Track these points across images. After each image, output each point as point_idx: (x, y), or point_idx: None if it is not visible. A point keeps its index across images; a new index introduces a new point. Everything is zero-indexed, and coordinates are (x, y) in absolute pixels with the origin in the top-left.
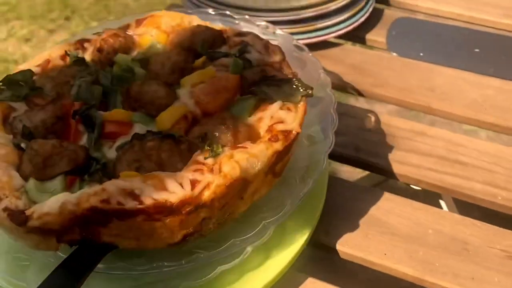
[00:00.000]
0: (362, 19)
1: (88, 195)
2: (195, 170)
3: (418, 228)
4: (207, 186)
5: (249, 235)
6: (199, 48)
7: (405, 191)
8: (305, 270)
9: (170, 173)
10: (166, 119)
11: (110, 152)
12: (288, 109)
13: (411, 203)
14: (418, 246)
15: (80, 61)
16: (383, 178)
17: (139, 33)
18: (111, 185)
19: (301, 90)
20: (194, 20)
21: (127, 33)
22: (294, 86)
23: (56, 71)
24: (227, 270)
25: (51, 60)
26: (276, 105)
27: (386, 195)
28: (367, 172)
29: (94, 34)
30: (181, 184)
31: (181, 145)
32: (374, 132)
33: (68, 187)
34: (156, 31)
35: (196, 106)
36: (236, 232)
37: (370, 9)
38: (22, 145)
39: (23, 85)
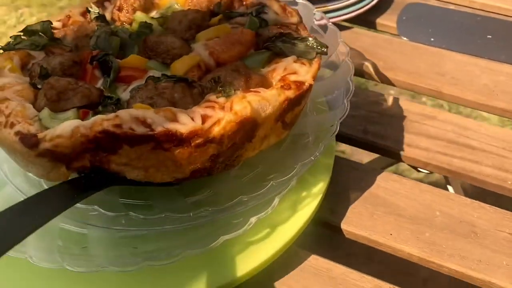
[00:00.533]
0: (373, 2)
1: (102, 119)
2: (207, 107)
3: (426, 209)
4: (217, 121)
5: (256, 193)
6: (215, 9)
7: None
8: (308, 247)
9: (182, 109)
10: (180, 66)
11: (124, 94)
12: (302, 63)
13: (419, 185)
14: (425, 228)
15: (100, 17)
16: (390, 162)
17: None
18: (124, 113)
19: (316, 48)
20: None
21: None
22: (309, 44)
23: (76, 25)
24: (229, 242)
25: (71, 16)
26: (290, 58)
27: (393, 177)
28: (374, 156)
29: None
30: (192, 118)
31: (194, 89)
32: (382, 114)
33: (81, 119)
34: None
35: (210, 57)
36: (244, 192)
37: None
38: (39, 86)
39: (42, 36)
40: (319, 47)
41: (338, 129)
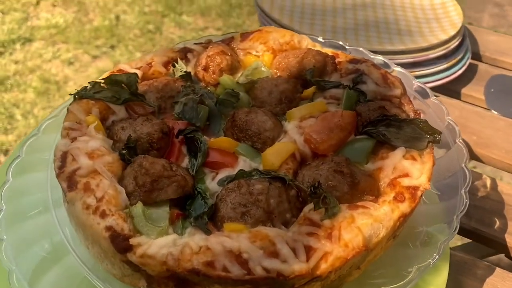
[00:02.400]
0: (460, 71)
1: (192, 252)
2: (310, 234)
3: None
4: (324, 257)
5: None
6: (308, 75)
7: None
8: None
9: (280, 232)
10: (274, 157)
11: (212, 184)
12: (413, 158)
13: None
14: None
15: (186, 76)
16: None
17: (243, 48)
18: (217, 244)
19: (427, 134)
20: (304, 40)
21: (232, 46)
22: (418, 129)
23: (161, 83)
24: None
25: (153, 66)
26: (398, 153)
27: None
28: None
29: (196, 43)
30: (293, 250)
31: (291, 191)
32: (484, 197)
33: (172, 221)
34: (263, 47)
35: (306, 144)
36: None
37: (467, 63)
38: (125, 157)
39: (125, 88)
40: (430, 133)
41: (458, 226)
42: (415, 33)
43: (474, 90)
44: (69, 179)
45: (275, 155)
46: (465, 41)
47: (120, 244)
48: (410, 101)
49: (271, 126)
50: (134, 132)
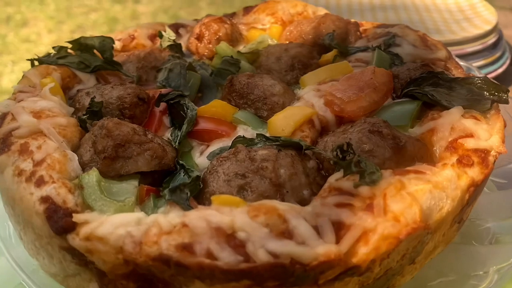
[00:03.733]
0: (500, 70)
1: (160, 232)
2: (339, 205)
3: None
4: (363, 236)
5: None
6: (327, 39)
7: None
8: None
9: (295, 206)
10: (285, 122)
11: (201, 159)
12: (475, 118)
13: None
14: None
15: (175, 47)
16: None
17: (247, 22)
18: (198, 220)
19: (490, 94)
20: (321, 12)
21: (232, 22)
22: (476, 89)
23: (143, 51)
24: None
25: (136, 38)
26: (455, 112)
27: None
28: None
29: (193, 20)
30: (315, 228)
31: (308, 161)
32: None
33: (141, 200)
34: (270, 19)
35: (327, 108)
36: None
37: (507, 62)
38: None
39: (97, 55)
40: (494, 92)
41: None
42: (445, 32)
43: None
44: (2, 140)
45: (286, 119)
46: (502, 40)
47: (59, 221)
48: (459, 64)
49: (280, 91)
50: (101, 97)
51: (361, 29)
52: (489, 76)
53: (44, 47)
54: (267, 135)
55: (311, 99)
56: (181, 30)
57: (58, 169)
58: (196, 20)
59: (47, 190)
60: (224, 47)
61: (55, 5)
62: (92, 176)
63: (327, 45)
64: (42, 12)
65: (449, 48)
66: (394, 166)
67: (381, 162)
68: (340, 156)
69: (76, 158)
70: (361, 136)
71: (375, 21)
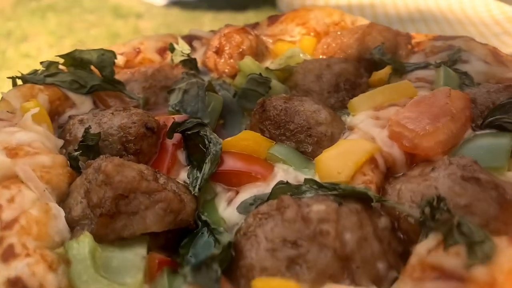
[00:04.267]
0: None
1: None
2: None
3: None
4: None
5: None
6: (376, 54)
7: None
8: None
9: None
10: (339, 162)
11: (229, 212)
12: None
13: None
14: None
15: (189, 63)
16: None
17: (272, 34)
18: None
19: None
20: (360, 22)
21: (255, 33)
22: None
23: (152, 68)
24: None
25: (142, 51)
26: None
27: None
28: None
29: (210, 31)
30: None
31: (379, 219)
32: None
33: (151, 277)
34: (300, 30)
35: (394, 143)
36: None
37: None
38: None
39: (95, 73)
40: None
41: None
42: None
43: None
44: None
45: (341, 158)
46: None
47: None
48: None
49: (327, 118)
50: (98, 126)
51: (412, 41)
52: None
53: None
54: (317, 178)
55: (370, 130)
56: (195, 43)
57: (35, 234)
58: (213, 32)
59: (18, 267)
60: (249, 63)
61: (57, 20)
62: (84, 244)
63: (377, 60)
64: (43, 27)
65: None
66: (502, 228)
67: (484, 223)
68: (429, 214)
69: (63, 214)
70: (452, 184)
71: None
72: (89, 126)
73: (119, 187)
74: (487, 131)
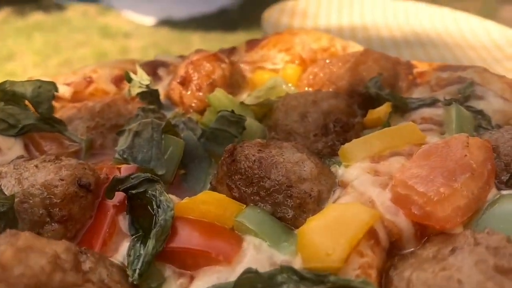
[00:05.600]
0: None
1: None
2: None
3: None
4: None
5: None
6: (372, 87)
7: None
8: None
9: None
10: (329, 238)
11: None
12: None
13: None
14: None
15: (149, 95)
16: None
17: (251, 60)
18: None
19: None
20: (352, 48)
21: (232, 59)
22: None
23: (101, 103)
24: None
25: (95, 81)
26: None
27: None
28: None
29: (178, 57)
30: None
31: None
32: None
33: None
34: (284, 56)
35: (400, 209)
36: None
37: None
38: None
39: (27, 109)
40: None
41: None
42: None
43: None
44: None
45: (331, 233)
46: None
47: None
48: None
49: (313, 172)
50: (18, 182)
51: (414, 71)
52: None
53: None
54: (298, 260)
55: (368, 190)
56: (160, 71)
57: None
58: (182, 57)
59: None
60: (220, 96)
61: (43, 39)
62: None
63: (374, 95)
64: (28, 46)
65: None
66: None
67: None
68: None
69: None
70: (482, 279)
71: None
72: (4, 184)
73: (18, 284)
74: None
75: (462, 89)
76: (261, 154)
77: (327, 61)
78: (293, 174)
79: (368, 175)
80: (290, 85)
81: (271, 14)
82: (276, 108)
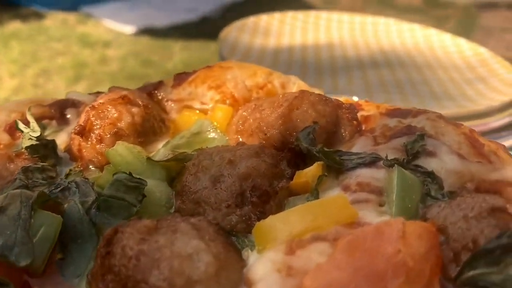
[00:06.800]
0: None
1: None
2: None
3: None
4: None
5: None
6: (303, 141)
7: None
8: None
9: None
10: None
11: None
12: None
13: None
14: None
15: (42, 147)
16: None
17: (178, 98)
18: None
19: None
20: (293, 84)
21: (156, 96)
22: None
23: None
24: None
25: None
26: None
27: None
28: None
29: (93, 93)
30: None
31: None
32: None
33: None
34: (214, 95)
35: None
36: None
37: None
38: None
39: None
40: None
41: None
42: (458, 97)
43: None
44: None
45: None
46: None
47: None
48: None
49: (209, 270)
50: None
51: (360, 114)
52: None
53: (4, 92)
54: None
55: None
56: (68, 112)
57: None
58: (97, 94)
59: None
60: (122, 151)
61: (20, 48)
62: None
63: (305, 150)
64: (5, 55)
65: (469, 123)
66: None
67: None
68: None
69: None
70: None
71: (365, 83)
72: None
73: None
74: None
75: (410, 143)
76: (142, 246)
77: (259, 103)
78: (179, 276)
79: (277, 275)
80: (218, 130)
81: (229, 32)
82: (187, 168)
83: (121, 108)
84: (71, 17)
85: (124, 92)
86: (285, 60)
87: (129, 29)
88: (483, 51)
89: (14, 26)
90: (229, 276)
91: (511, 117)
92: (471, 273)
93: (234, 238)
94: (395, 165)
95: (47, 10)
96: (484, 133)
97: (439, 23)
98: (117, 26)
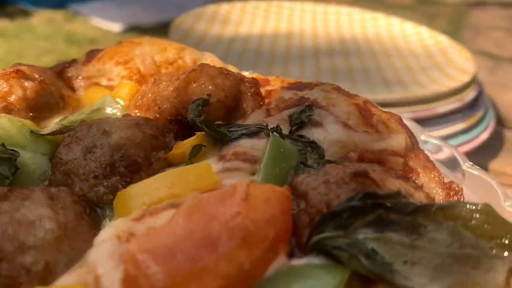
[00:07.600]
0: (483, 136)
1: None
2: None
3: None
4: None
5: None
6: (191, 113)
7: None
8: None
9: None
10: None
11: None
12: None
13: None
14: None
15: None
16: None
17: (88, 75)
18: None
19: (499, 244)
20: (206, 58)
21: (66, 74)
22: (470, 232)
23: None
24: None
25: None
26: None
27: None
28: None
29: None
30: None
31: None
32: None
33: None
34: (121, 71)
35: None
36: None
37: (490, 124)
38: None
39: None
40: (506, 241)
41: None
42: (409, 84)
43: (506, 164)
44: None
45: None
46: (483, 96)
47: None
48: (430, 161)
49: (47, 237)
50: None
51: (264, 89)
52: (470, 146)
53: None
54: None
55: (100, 263)
56: None
57: None
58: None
59: None
60: (4, 124)
61: (6, 46)
62: None
63: (190, 122)
64: None
65: (414, 108)
66: None
67: None
68: None
69: None
70: None
71: (318, 71)
72: None
73: None
74: (310, 259)
75: (297, 113)
76: None
77: (156, 78)
78: (10, 242)
79: (115, 241)
80: (119, 106)
81: (184, 20)
82: (64, 139)
83: (13, 83)
84: (58, 15)
85: (22, 67)
86: (239, 49)
87: (116, 26)
88: (443, 39)
89: (0, 24)
90: (73, 245)
91: (459, 103)
92: (319, 236)
93: (100, 210)
94: (271, 131)
95: (34, 8)
96: (431, 118)
97: (430, 21)
98: (104, 24)
